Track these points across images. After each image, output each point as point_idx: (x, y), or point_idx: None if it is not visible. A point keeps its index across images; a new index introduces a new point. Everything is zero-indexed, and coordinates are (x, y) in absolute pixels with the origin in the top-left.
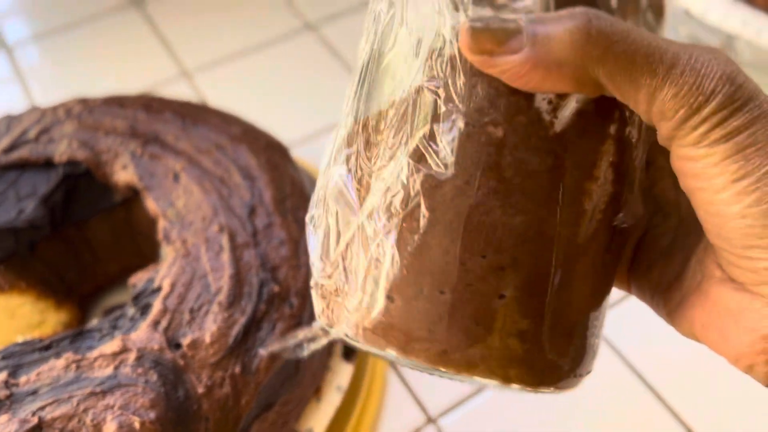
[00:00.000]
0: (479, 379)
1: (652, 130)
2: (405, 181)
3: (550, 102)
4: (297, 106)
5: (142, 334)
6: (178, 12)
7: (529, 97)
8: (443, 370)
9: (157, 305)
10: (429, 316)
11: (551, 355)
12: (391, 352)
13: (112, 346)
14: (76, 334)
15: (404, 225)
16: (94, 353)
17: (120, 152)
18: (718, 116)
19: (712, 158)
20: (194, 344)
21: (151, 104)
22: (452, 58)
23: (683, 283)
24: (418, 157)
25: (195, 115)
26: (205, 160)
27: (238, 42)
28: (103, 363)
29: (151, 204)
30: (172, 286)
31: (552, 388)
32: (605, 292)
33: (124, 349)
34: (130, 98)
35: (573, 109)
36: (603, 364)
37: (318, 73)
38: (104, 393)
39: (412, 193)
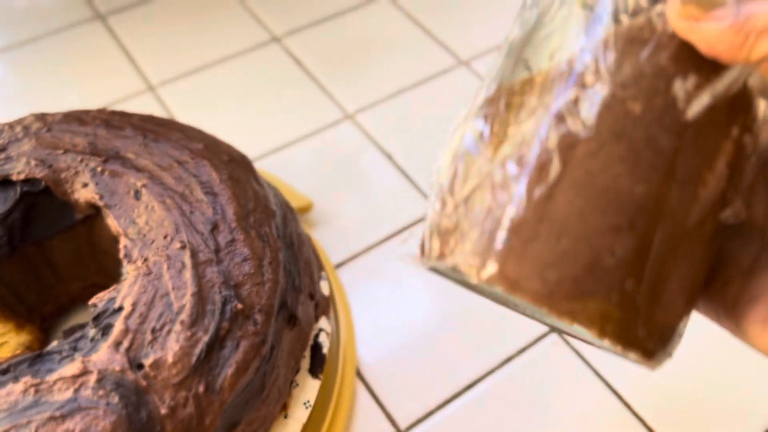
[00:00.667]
0: (577, 327)
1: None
2: (543, 136)
3: (686, 91)
4: (263, 118)
5: (103, 356)
6: (141, 25)
7: (669, 83)
8: (546, 311)
9: (118, 325)
10: (543, 260)
11: (646, 320)
12: (499, 289)
13: (72, 368)
14: (35, 357)
15: (534, 175)
16: (54, 376)
17: (80, 170)
18: None
19: None
20: (157, 364)
21: (111, 120)
22: (607, 37)
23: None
24: (560, 117)
25: (156, 130)
26: (167, 176)
27: (203, 55)
28: (62, 386)
29: (112, 222)
30: (134, 305)
31: (638, 354)
32: (701, 282)
33: (85, 372)
34: (90, 114)
35: (706, 103)
36: (582, 384)
37: (284, 86)
38: (64, 417)
39: (548, 148)
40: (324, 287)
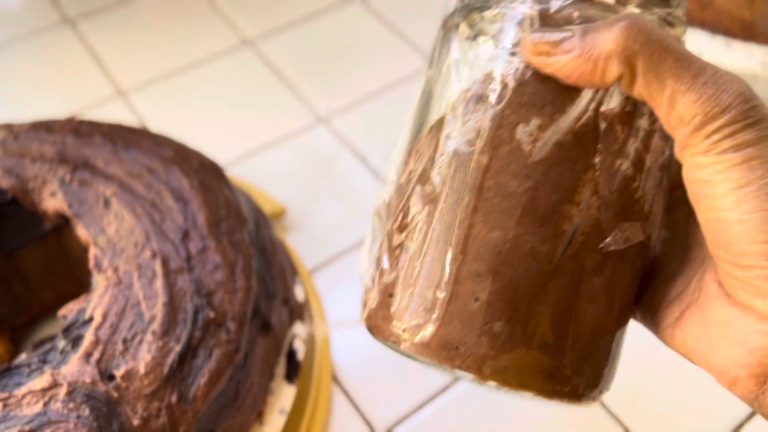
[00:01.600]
0: (458, 372)
1: (668, 167)
2: (409, 200)
3: (530, 134)
4: (236, 122)
5: (73, 368)
6: (112, 30)
7: (512, 131)
8: (427, 361)
9: (88, 337)
10: (418, 312)
11: (527, 357)
12: (388, 342)
13: (41, 381)
14: (3, 371)
15: (409, 235)
16: (23, 390)
17: (48, 179)
18: (731, 128)
19: (719, 165)
20: (128, 375)
21: (80, 128)
22: (455, 104)
23: (683, 300)
24: (424, 179)
25: (126, 138)
26: (137, 184)
27: (174, 59)
28: (32, 400)
29: (81, 231)
30: (104, 316)
31: (532, 392)
32: (599, 313)
33: (54, 384)
34: (58, 122)
35: (552, 141)
36: None
37: (256, 89)
38: (33, 431)
39: (415, 210)
40: (298, 292)
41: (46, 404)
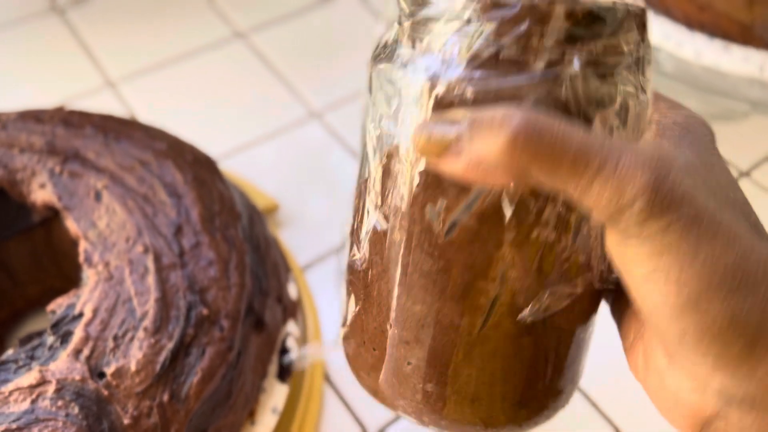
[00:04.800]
0: (404, 416)
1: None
2: (350, 264)
3: (439, 214)
4: (227, 116)
5: (62, 365)
6: (101, 19)
7: (422, 210)
8: (379, 402)
9: (78, 333)
10: (367, 364)
11: (459, 412)
12: (354, 375)
13: (29, 378)
14: None
15: (352, 293)
16: (9, 387)
17: (37, 170)
18: (636, 219)
19: (630, 253)
20: (119, 373)
21: (70, 118)
22: (374, 173)
23: (632, 327)
24: (355, 243)
25: (117, 129)
26: (129, 177)
27: (165, 50)
28: (19, 397)
29: (71, 225)
30: (95, 311)
31: None
32: (534, 365)
33: (43, 381)
34: (48, 112)
35: (460, 222)
36: None
37: (248, 83)
38: (21, 429)
39: (350, 273)
40: (292, 290)
41: (33, 401)
